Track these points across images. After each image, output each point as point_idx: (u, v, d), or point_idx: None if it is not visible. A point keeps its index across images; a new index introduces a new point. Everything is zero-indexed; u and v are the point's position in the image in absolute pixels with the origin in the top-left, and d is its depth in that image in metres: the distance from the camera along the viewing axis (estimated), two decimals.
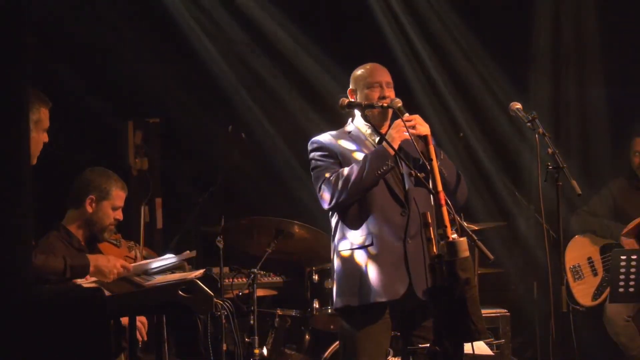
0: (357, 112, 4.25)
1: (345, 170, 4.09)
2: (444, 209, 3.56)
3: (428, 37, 6.89)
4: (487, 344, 4.34)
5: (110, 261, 4.06)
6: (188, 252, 4.24)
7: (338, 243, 4.21)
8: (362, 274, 4.10)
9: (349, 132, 4.29)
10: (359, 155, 4.15)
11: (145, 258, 4.71)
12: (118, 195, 4.58)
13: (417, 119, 4.01)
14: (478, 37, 6.88)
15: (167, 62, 6.43)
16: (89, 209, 4.52)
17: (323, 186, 4.12)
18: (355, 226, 4.16)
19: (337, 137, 4.27)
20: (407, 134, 3.99)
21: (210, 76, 6.62)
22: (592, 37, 6.89)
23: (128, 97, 6.32)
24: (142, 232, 4.84)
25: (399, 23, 6.87)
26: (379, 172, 4.04)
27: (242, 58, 6.65)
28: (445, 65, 6.94)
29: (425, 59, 6.91)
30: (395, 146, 4.02)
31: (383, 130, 4.16)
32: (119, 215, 4.61)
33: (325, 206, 4.15)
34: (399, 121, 4.06)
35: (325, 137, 4.27)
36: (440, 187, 3.65)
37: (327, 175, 4.13)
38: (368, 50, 6.39)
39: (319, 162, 4.21)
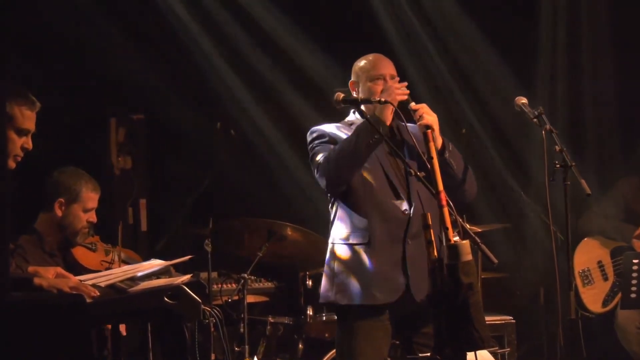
0: None
1: (337, 146, 4.04)
2: (445, 210, 3.46)
3: (431, 30, 6.87)
4: (491, 352, 4.24)
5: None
6: (186, 257, 4.20)
7: (334, 238, 4.14)
8: (355, 273, 4.03)
9: (351, 124, 4.22)
10: None
11: (124, 261, 4.66)
12: (89, 197, 4.51)
13: (424, 108, 3.95)
14: (483, 30, 6.85)
15: (152, 54, 6.38)
16: (59, 213, 4.45)
17: (319, 168, 4.07)
18: (353, 222, 4.07)
19: (338, 127, 4.23)
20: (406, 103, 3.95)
21: (198, 70, 6.59)
22: (603, 30, 6.88)
23: (111, 92, 6.30)
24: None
25: (401, 16, 6.85)
26: (371, 141, 3.94)
27: (231, 52, 6.64)
28: (448, 59, 6.91)
29: (428, 52, 6.88)
30: (390, 111, 3.96)
31: (388, 123, 4.07)
32: (92, 217, 4.55)
33: (323, 185, 4.08)
34: (390, 84, 4.03)
35: (326, 126, 4.23)
36: (441, 187, 3.53)
37: (323, 156, 4.09)
38: (368, 44, 6.28)
39: (318, 148, 4.15)
